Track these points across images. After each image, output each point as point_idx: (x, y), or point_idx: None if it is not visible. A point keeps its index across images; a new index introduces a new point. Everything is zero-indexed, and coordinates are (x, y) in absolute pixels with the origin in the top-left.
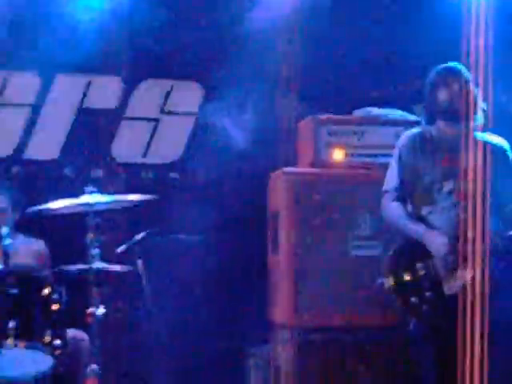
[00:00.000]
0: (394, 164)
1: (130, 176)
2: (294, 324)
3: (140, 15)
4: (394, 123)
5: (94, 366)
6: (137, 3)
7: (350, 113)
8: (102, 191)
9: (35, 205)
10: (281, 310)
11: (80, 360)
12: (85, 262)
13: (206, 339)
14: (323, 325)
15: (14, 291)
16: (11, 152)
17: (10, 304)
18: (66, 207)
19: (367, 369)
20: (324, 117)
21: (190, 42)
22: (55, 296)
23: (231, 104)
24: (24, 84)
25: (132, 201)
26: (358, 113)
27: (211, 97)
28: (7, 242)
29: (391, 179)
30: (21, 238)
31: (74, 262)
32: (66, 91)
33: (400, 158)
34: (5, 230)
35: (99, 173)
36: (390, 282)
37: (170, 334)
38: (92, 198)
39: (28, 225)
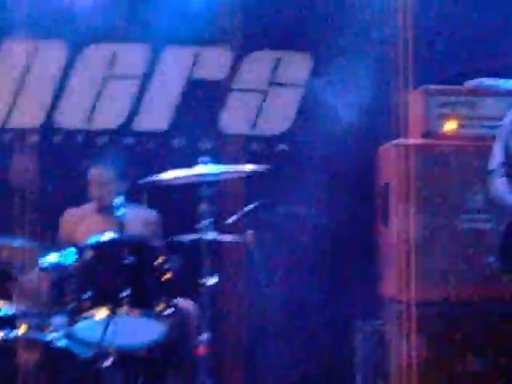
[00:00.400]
0: (499, 140)
1: (238, 147)
2: (404, 298)
3: None
4: (507, 94)
5: (205, 336)
6: None
7: (461, 83)
8: (214, 162)
9: (144, 176)
10: (391, 283)
11: (189, 329)
12: (197, 232)
13: (315, 312)
14: (433, 299)
15: (129, 260)
16: (121, 123)
17: (124, 273)
18: (179, 177)
19: (476, 343)
20: (435, 88)
21: (300, 13)
22: (168, 265)
23: (340, 76)
24: (134, 56)
25: (245, 171)
26: (470, 83)
27: (320, 69)
28: (121, 211)
29: (497, 155)
30: (133, 209)
31: (186, 232)
32: (176, 63)
33: (506, 134)
34: (119, 199)
35: (208, 144)
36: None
37: (277, 305)
38: (205, 169)
39: (140, 195)
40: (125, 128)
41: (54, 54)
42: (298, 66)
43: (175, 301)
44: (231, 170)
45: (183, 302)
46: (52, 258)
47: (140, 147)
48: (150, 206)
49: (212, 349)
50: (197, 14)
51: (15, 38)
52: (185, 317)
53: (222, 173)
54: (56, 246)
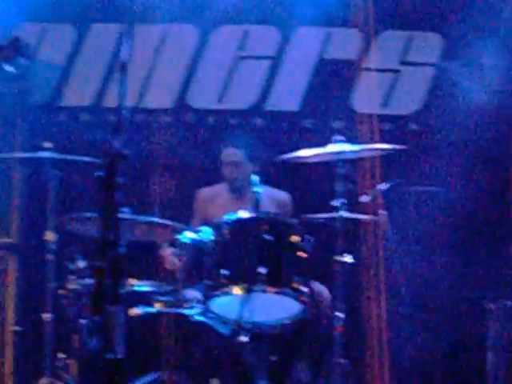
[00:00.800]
0: None
1: (370, 126)
2: None
3: None
4: None
5: (339, 315)
6: None
7: None
8: (348, 141)
9: (275, 157)
10: None
11: (323, 309)
12: (330, 211)
13: (447, 292)
14: None
15: (267, 237)
16: (252, 104)
17: (261, 250)
18: (315, 155)
19: None
20: None
21: None
22: (304, 244)
23: (471, 57)
24: (264, 37)
25: (379, 150)
26: None
27: (451, 49)
28: (257, 189)
29: None
30: (265, 189)
31: (319, 212)
32: (306, 43)
33: None
34: (255, 177)
35: (340, 124)
36: None
37: (410, 285)
38: (339, 147)
39: (273, 174)
40: (256, 108)
41: (185, 37)
42: (429, 46)
43: (310, 280)
44: (366, 149)
45: (316, 284)
46: (188, 235)
47: (271, 127)
48: (282, 186)
49: (346, 329)
50: None
51: (148, 23)
52: (318, 297)
53: (357, 151)
54: (190, 224)
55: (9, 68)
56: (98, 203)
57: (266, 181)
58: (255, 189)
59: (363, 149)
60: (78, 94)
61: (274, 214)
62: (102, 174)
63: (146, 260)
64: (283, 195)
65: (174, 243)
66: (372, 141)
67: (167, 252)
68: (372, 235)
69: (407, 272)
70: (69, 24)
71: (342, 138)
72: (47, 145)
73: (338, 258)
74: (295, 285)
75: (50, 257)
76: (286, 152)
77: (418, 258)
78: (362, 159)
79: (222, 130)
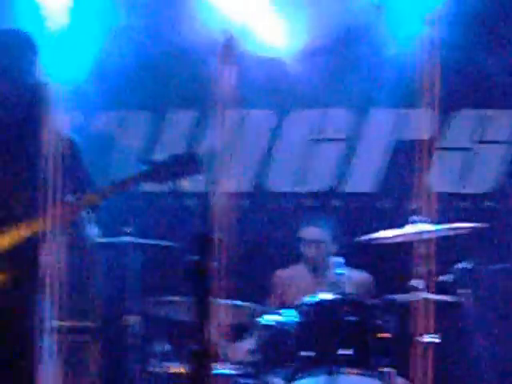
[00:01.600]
0: None
1: (446, 205)
2: None
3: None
4: None
5: None
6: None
7: None
8: (426, 221)
9: (352, 237)
10: None
11: None
12: (409, 292)
13: None
14: None
15: (349, 319)
16: (330, 186)
17: (344, 331)
18: (394, 236)
19: None
20: None
21: (497, 70)
22: (386, 325)
23: None
24: (339, 119)
25: (459, 229)
26: None
27: None
28: (340, 271)
29: None
30: (345, 269)
31: (398, 292)
32: (380, 125)
33: None
34: (338, 259)
35: (416, 203)
36: None
37: (492, 364)
38: (418, 227)
39: (352, 255)
40: (333, 190)
41: (262, 121)
42: (502, 123)
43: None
44: (445, 228)
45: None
46: (270, 317)
47: (348, 209)
48: (360, 266)
49: None
50: (397, 77)
51: (225, 108)
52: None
53: (437, 231)
54: (270, 306)
55: (185, 183)
56: (190, 287)
57: (346, 261)
58: (338, 270)
59: (442, 228)
60: None
61: (356, 295)
62: (193, 258)
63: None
64: (364, 276)
65: (256, 326)
66: (449, 220)
67: (247, 336)
68: (452, 315)
69: (488, 352)
70: (147, 111)
71: (421, 218)
72: (128, 229)
73: (419, 338)
74: (379, 366)
75: (132, 340)
76: (363, 232)
77: (499, 337)
78: (440, 238)
79: (299, 212)
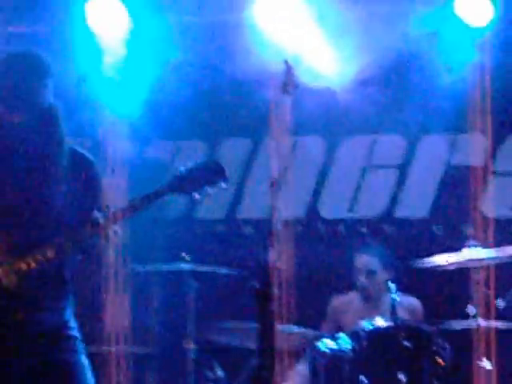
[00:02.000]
0: None
1: (501, 230)
2: None
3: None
4: None
5: None
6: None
7: None
8: (482, 246)
9: (407, 262)
10: None
11: None
12: (465, 318)
13: None
14: None
15: (406, 344)
16: (382, 212)
17: (400, 357)
18: (450, 262)
19: None
20: None
21: None
22: (441, 351)
23: None
24: (391, 146)
25: None
26: None
27: None
28: (394, 296)
29: None
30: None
31: (451, 317)
32: (432, 151)
33: None
34: (392, 285)
35: (470, 228)
36: None
37: None
38: (474, 253)
39: (405, 281)
40: (386, 216)
41: (313, 148)
42: None
43: None
44: (501, 253)
45: None
46: (326, 343)
47: (401, 235)
48: (412, 291)
49: None
50: (449, 103)
51: (280, 135)
52: None
53: (493, 257)
54: (325, 332)
55: (211, 191)
56: (253, 314)
57: (398, 287)
58: (392, 296)
59: (498, 254)
60: (212, 207)
61: (412, 321)
62: (256, 285)
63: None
64: (414, 301)
65: (309, 351)
66: (505, 245)
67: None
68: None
69: None
70: (200, 140)
71: (476, 243)
72: (186, 256)
73: (476, 365)
74: None
75: (188, 366)
76: (416, 259)
77: None
78: (496, 264)
79: (352, 238)
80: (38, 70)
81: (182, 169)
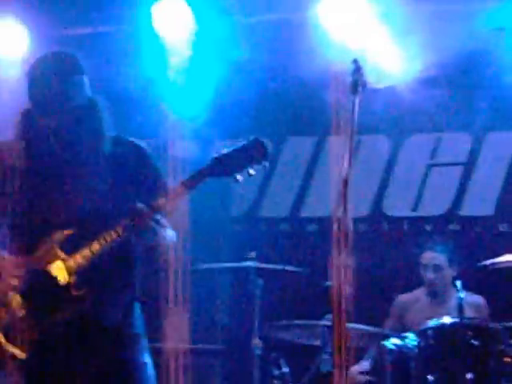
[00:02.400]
0: None
1: None
2: None
3: None
4: None
5: None
6: None
7: None
8: None
9: (471, 261)
10: None
11: None
12: None
13: None
14: None
15: (473, 343)
16: (447, 210)
17: (467, 355)
18: None
19: None
20: None
21: None
22: (508, 349)
23: None
24: (456, 143)
25: None
26: None
27: None
28: (461, 294)
29: None
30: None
31: None
32: (498, 148)
33: None
34: (459, 283)
35: None
36: None
37: None
38: None
39: (468, 279)
40: (450, 214)
41: (378, 147)
42: None
43: None
44: None
45: None
46: (393, 341)
47: (466, 232)
48: (476, 289)
49: None
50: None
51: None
52: None
53: None
54: (391, 329)
55: (252, 172)
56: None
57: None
58: (459, 294)
59: None
60: (276, 205)
61: (479, 319)
62: (331, 284)
63: None
64: (479, 299)
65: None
66: None
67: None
68: None
69: None
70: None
71: None
72: (251, 254)
73: None
74: None
75: (255, 362)
76: (482, 256)
77: None
78: None
79: (416, 236)
80: (65, 69)
81: (223, 151)
